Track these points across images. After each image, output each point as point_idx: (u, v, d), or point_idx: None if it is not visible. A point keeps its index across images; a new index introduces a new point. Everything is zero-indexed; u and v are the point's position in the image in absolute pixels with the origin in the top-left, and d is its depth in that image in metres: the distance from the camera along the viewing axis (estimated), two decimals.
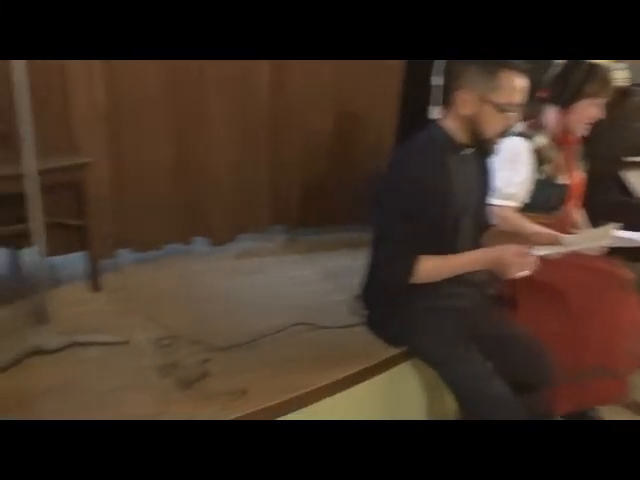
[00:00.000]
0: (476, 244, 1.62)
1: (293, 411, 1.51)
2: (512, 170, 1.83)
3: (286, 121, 2.61)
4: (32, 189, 1.63)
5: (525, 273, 1.47)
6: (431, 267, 1.52)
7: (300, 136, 2.65)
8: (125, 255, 2.41)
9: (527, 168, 1.85)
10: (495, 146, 1.54)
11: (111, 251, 2.33)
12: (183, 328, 1.84)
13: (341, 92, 2.67)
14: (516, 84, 1.45)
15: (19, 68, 1.53)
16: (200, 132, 2.41)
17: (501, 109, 1.45)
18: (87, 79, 2.12)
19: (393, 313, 1.66)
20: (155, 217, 2.40)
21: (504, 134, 1.53)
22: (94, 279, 2.15)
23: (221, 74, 2.37)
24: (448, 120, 1.54)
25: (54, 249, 2.13)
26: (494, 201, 1.77)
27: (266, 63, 2.47)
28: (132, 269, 2.38)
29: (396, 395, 1.77)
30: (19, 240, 2.18)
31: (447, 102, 1.52)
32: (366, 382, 1.65)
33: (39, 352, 1.65)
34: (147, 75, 2.22)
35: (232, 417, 1.42)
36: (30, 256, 1.99)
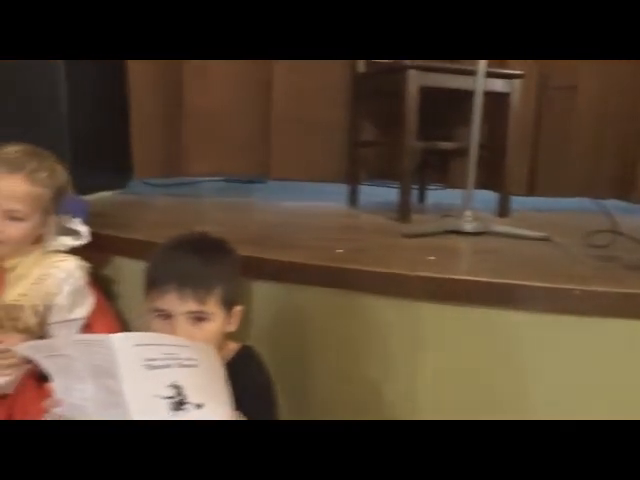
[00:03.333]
0: None
1: None
2: None
3: None
4: (479, 89, 1.63)
5: None
6: None
7: None
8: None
9: None
10: None
11: (520, 191, 2.25)
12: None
13: None
14: None
15: None
16: None
17: None
18: None
19: None
20: (578, 164, 2.22)
21: None
22: (502, 209, 2.07)
23: None
24: None
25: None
26: None
27: None
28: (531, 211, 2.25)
29: None
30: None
31: None
32: None
33: (458, 232, 1.64)
34: None
35: None
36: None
